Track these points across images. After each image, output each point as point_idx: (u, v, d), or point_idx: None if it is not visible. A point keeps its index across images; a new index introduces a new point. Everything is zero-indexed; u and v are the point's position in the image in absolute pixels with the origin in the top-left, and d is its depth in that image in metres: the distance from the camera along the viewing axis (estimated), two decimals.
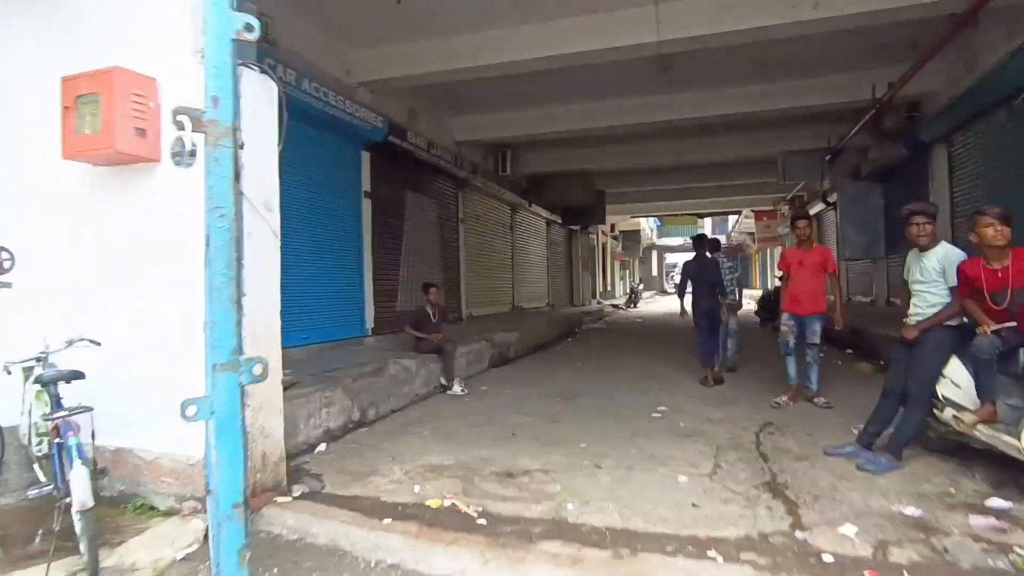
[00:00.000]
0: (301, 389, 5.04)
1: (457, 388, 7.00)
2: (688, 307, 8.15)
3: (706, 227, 51.07)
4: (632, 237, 35.17)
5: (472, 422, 5.53)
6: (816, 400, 5.92)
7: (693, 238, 8.65)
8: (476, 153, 13.13)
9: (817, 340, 6.11)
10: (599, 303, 25.08)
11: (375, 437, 5.15)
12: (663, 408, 5.83)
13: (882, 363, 7.83)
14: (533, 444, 4.73)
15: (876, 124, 11.59)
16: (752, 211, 26.62)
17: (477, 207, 13.32)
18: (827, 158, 14.13)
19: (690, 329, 7.85)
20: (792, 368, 6.15)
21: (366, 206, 8.60)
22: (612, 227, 30.28)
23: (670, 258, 62.97)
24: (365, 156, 8.61)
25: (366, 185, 8.61)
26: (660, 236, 49.02)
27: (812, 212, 20.40)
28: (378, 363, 6.71)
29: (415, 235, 10.25)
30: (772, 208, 25.56)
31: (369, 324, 8.59)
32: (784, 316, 6.17)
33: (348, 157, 8.32)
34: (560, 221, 19.41)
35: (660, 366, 8.64)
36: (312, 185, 7.43)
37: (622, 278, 36.69)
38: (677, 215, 28.68)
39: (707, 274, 7.81)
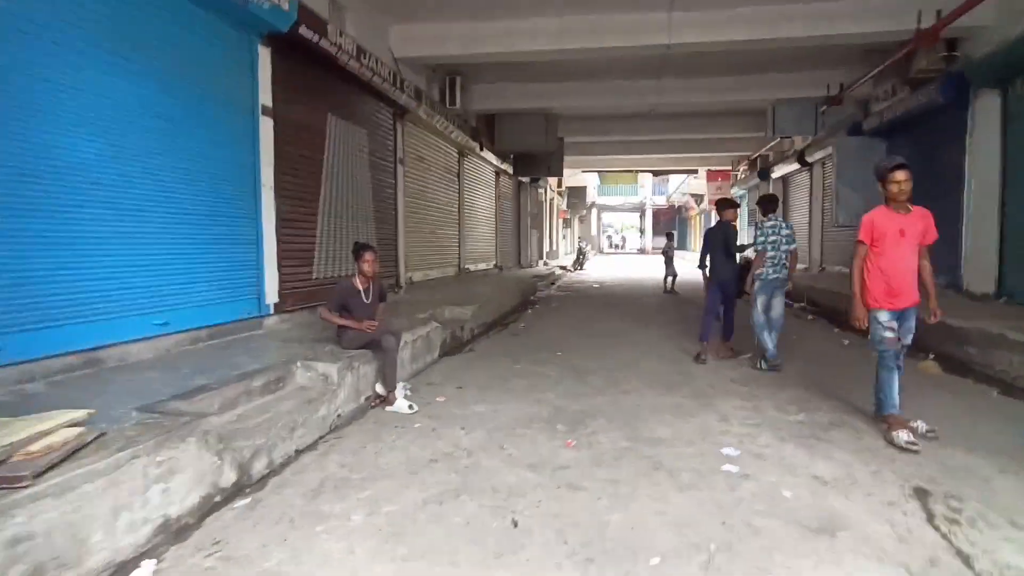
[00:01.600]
0: (106, 450, 2.58)
1: (402, 402, 4.67)
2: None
3: (646, 187, 49.99)
4: (578, 194, 33.17)
5: (433, 486, 3.25)
6: (913, 425, 4.02)
7: (718, 202, 7.23)
8: (419, 76, 10.45)
9: (910, 341, 4.22)
10: (546, 264, 23.03)
11: (258, 530, 2.79)
12: (731, 451, 3.74)
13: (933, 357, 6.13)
14: (558, 552, 2.54)
15: (905, 64, 9.82)
16: (709, 170, 25.05)
17: (420, 146, 10.72)
18: (821, 109, 12.35)
19: (661, 298, 6.02)
20: (894, 387, 4.21)
21: (265, 128, 5.93)
22: (559, 182, 28.09)
23: (607, 218, 61.85)
24: (263, 54, 5.88)
25: (265, 97, 5.92)
26: (600, 195, 47.50)
27: (778, 174, 19.01)
28: (276, 368, 4.27)
29: (340, 175, 7.64)
30: (727, 168, 24.09)
31: (270, 298, 6.05)
32: (882, 315, 4.16)
33: (235, 53, 5.59)
34: (511, 171, 16.98)
35: (661, 354, 6.61)
36: (168, 90, 4.73)
37: (564, 237, 34.79)
38: (631, 171, 26.78)
39: (729, 243, 6.73)
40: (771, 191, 19.53)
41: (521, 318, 10.27)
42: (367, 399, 4.78)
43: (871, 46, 10.11)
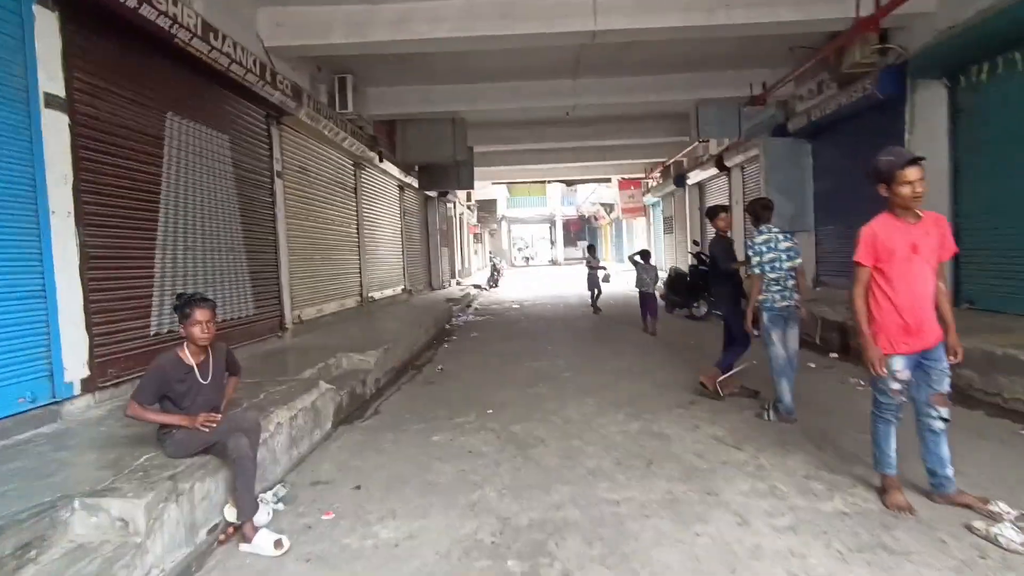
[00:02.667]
0: None
1: (264, 537, 2.99)
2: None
3: (555, 198, 49.72)
4: (488, 207, 31.96)
5: None
6: (993, 508, 2.93)
7: (708, 209, 6.42)
8: (300, 74, 8.71)
9: (948, 387, 3.16)
10: (459, 284, 21.53)
11: None
12: None
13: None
14: None
15: (836, 60, 9.21)
16: (622, 179, 24.55)
17: (305, 156, 8.95)
18: (744, 110, 11.73)
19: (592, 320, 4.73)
20: (893, 441, 3.16)
21: (53, 128, 4.07)
22: (468, 195, 26.72)
23: (517, 230, 61.16)
24: (43, 19, 4.05)
25: (51, 83, 4.07)
26: (510, 207, 46.66)
27: (694, 181, 18.59)
28: (30, 520, 2.49)
29: (189, 194, 5.81)
30: (640, 176, 23.69)
31: (73, 373, 4.17)
32: (896, 363, 3.10)
33: None
34: (416, 184, 15.38)
35: (617, 402, 5.30)
36: None
37: (476, 252, 33.42)
38: (542, 182, 25.86)
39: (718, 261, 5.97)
40: (687, 199, 19.11)
41: (437, 355, 8.70)
42: (213, 532, 3.10)
43: (800, 41, 9.47)
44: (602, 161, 19.51)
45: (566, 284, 23.56)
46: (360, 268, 11.36)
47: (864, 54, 8.46)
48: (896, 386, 3.14)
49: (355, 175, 11.31)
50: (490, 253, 34.11)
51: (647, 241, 26.17)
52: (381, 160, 11.76)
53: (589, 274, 13.25)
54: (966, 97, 7.29)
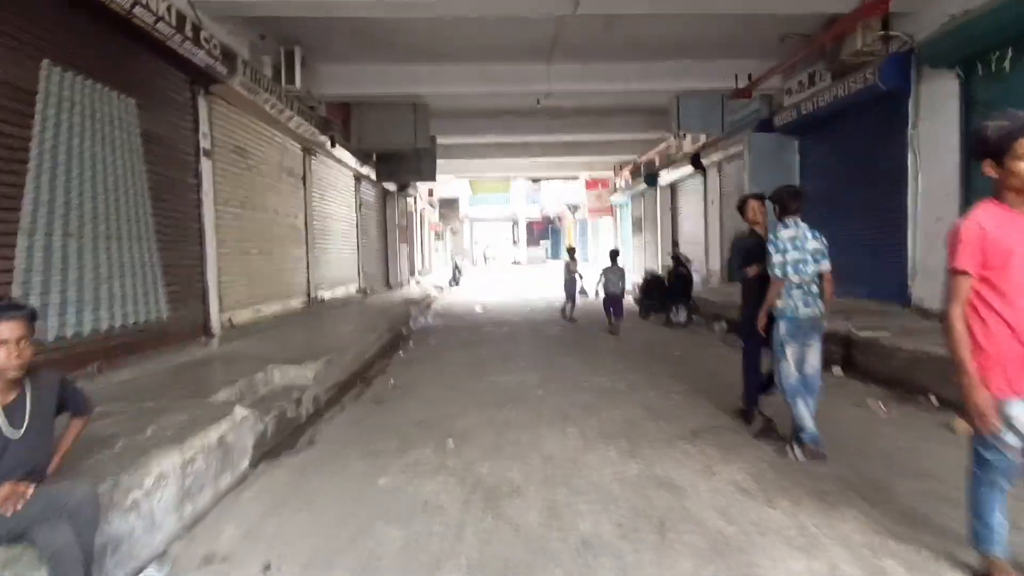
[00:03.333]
0: None
1: None
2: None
3: (518, 197, 48.81)
4: (450, 205, 30.87)
5: None
6: None
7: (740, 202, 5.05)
8: (239, 39, 7.55)
9: None
10: (419, 283, 20.39)
11: None
12: None
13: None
14: None
15: (832, 49, 8.52)
16: (589, 178, 23.79)
17: (242, 135, 7.76)
18: (727, 100, 11.02)
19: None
20: (1000, 517, 2.34)
21: None
22: (430, 192, 25.58)
23: (479, 229, 60.02)
24: None
25: None
26: (472, 204, 45.57)
27: (667, 180, 17.92)
28: None
29: (76, 168, 4.64)
30: (609, 175, 22.98)
31: None
32: (1015, 408, 2.27)
33: None
34: (374, 176, 14.22)
35: (605, 431, 4.36)
36: None
37: (437, 251, 32.22)
38: (507, 177, 24.91)
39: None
40: (658, 199, 18.43)
41: (391, 366, 7.64)
42: None
43: (793, 27, 8.78)
44: (571, 157, 18.67)
45: (531, 285, 22.67)
46: (308, 264, 10.18)
47: (867, 41, 7.79)
48: (1016, 442, 2.28)
49: (304, 161, 10.13)
50: (451, 252, 32.99)
51: (613, 242, 25.51)
52: (334, 146, 10.60)
53: (567, 279, 11.96)
54: (983, 88, 6.63)
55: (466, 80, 10.28)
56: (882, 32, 7.73)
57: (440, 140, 13.96)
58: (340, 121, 11.33)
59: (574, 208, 38.03)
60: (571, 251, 12.41)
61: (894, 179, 8.06)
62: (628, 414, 5.05)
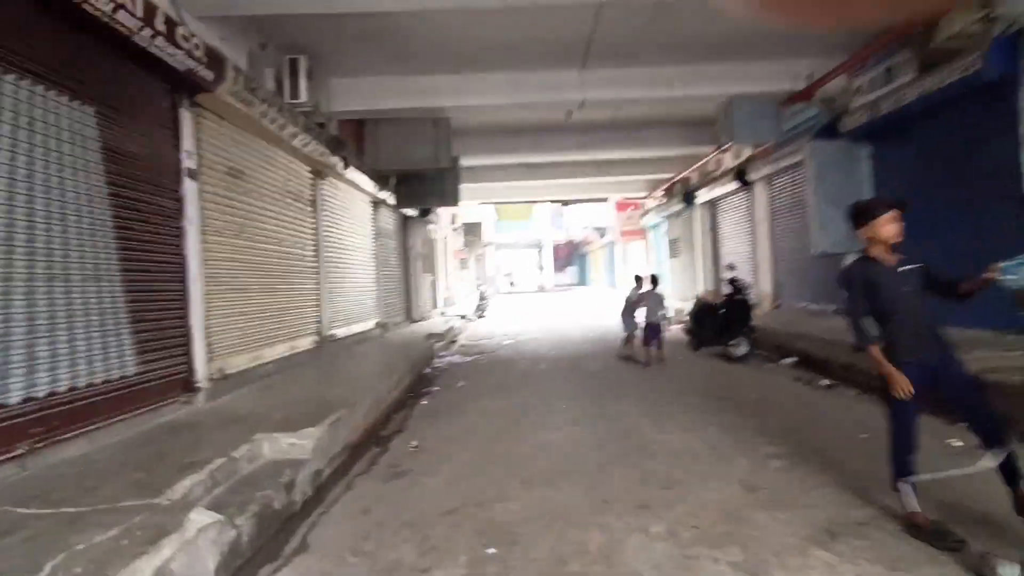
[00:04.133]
0: None
1: None
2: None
3: (543, 221, 47.84)
4: (474, 230, 29.90)
5: None
6: None
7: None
8: (234, 48, 6.61)
9: None
10: (443, 314, 19.30)
11: None
12: None
13: None
14: None
15: (923, 36, 7.31)
16: (621, 198, 22.64)
17: (235, 152, 6.76)
18: (782, 105, 9.83)
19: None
20: None
21: None
22: (453, 217, 24.64)
23: (503, 255, 59.00)
24: None
25: None
26: (497, 230, 44.69)
27: (705, 199, 16.67)
28: None
29: (7, 190, 3.62)
30: (641, 196, 21.81)
31: None
32: None
33: None
34: (392, 201, 13.24)
35: (731, 534, 3.12)
36: None
37: (461, 279, 31.20)
38: (533, 201, 23.91)
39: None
40: (697, 219, 17.19)
41: (412, 419, 6.45)
42: None
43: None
44: (601, 177, 17.55)
45: (561, 314, 21.44)
46: (319, 300, 9.12)
47: (966, 24, 6.58)
48: None
49: (314, 185, 9.14)
50: (476, 280, 31.94)
51: (646, 266, 24.21)
52: (347, 167, 9.61)
53: (650, 308, 9.52)
54: None
55: (491, 90, 9.27)
56: (983, 12, 6.51)
57: (463, 161, 12.98)
58: (353, 140, 10.39)
59: (602, 231, 36.90)
60: (652, 280, 10.04)
61: (1002, 185, 6.75)
62: (724, 496, 3.77)
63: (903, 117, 8.03)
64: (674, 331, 13.14)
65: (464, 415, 6.51)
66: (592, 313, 20.63)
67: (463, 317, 19.10)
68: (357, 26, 7.50)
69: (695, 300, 10.74)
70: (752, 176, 12.94)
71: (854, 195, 9.29)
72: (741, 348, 9.17)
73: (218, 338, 6.10)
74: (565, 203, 25.41)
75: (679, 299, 19.09)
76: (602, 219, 32.63)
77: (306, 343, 8.58)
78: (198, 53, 5.19)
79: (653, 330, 9.26)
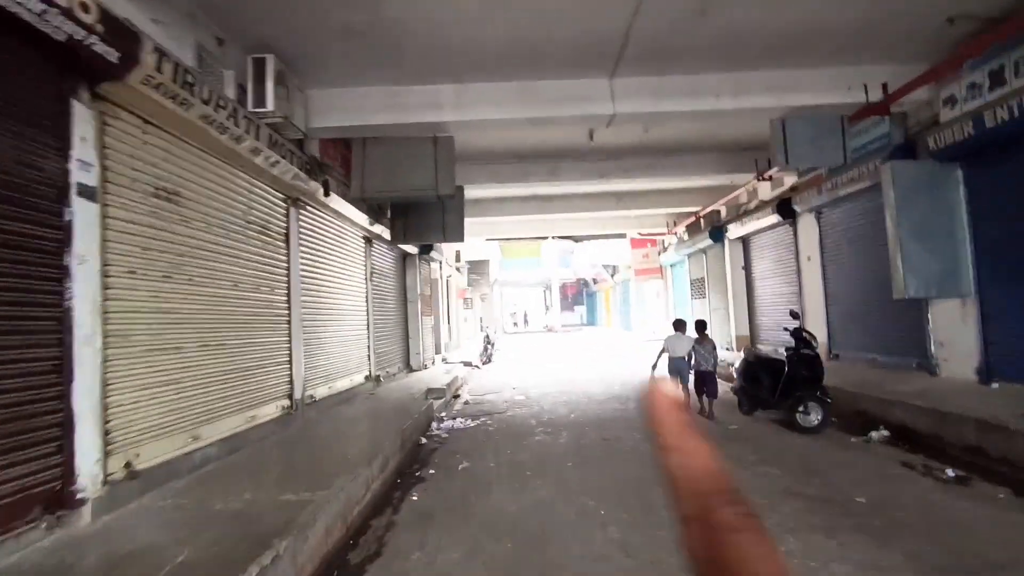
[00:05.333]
0: None
1: None
2: None
3: (551, 259, 46.33)
4: (479, 268, 28.32)
5: None
6: None
7: None
8: (172, 32, 5.07)
9: None
10: (446, 360, 17.53)
11: None
12: None
13: None
14: None
15: None
16: (638, 234, 21.07)
17: (169, 168, 5.14)
18: (848, 121, 8.26)
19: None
20: None
21: None
22: (457, 255, 23.10)
23: (509, 294, 57.35)
24: None
25: None
26: (503, 269, 43.18)
27: (738, 234, 15.07)
28: None
29: None
30: (659, 232, 20.25)
31: None
32: None
33: None
34: (388, 236, 11.66)
35: None
36: None
37: (466, 320, 29.45)
38: (544, 238, 22.36)
39: None
40: (727, 257, 15.53)
41: (395, 528, 4.66)
42: None
43: (969, 5, 6.12)
44: (620, 211, 15.99)
45: (574, 359, 19.61)
46: (291, 355, 7.42)
47: None
48: None
49: (287, 215, 7.55)
50: (482, 321, 30.23)
51: (665, 308, 22.48)
52: (327, 194, 8.01)
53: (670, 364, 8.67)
54: None
55: (502, 102, 7.73)
56: None
57: (468, 193, 11.43)
58: (339, 164, 8.85)
59: (612, 269, 35.30)
60: (681, 324, 9.07)
61: None
62: None
63: (1013, 132, 6.42)
64: (722, 386, 11.39)
65: (467, 523, 4.71)
66: (610, 360, 18.79)
67: (468, 364, 17.32)
68: (340, 20, 6.01)
69: (745, 352, 8.98)
70: (799, 207, 11.31)
71: (945, 228, 7.64)
72: (814, 416, 7.37)
73: (127, 419, 4.38)
74: (577, 239, 23.81)
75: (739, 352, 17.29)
76: (614, 257, 31.04)
77: (271, 411, 6.84)
78: (87, 18, 3.62)
79: (706, 377, 8.48)
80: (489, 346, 20.49)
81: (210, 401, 5.55)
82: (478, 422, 9.17)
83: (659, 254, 22.40)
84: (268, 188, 6.96)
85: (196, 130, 5.16)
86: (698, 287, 18.40)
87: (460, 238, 11.26)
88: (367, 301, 11.17)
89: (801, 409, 7.45)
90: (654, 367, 8.91)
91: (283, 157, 6.61)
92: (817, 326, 11.41)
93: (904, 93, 7.48)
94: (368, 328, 11.15)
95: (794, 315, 8.11)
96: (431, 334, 16.81)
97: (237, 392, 6.06)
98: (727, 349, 15.60)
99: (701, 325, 8.97)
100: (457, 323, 24.37)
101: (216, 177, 5.84)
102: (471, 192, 12.84)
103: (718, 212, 15.88)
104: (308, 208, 8.14)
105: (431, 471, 6.41)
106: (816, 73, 7.77)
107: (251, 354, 6.42)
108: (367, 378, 10.83)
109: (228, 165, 6.01)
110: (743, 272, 15.13)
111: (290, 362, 7.38)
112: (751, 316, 14.95)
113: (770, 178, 11.44)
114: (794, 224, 12.13)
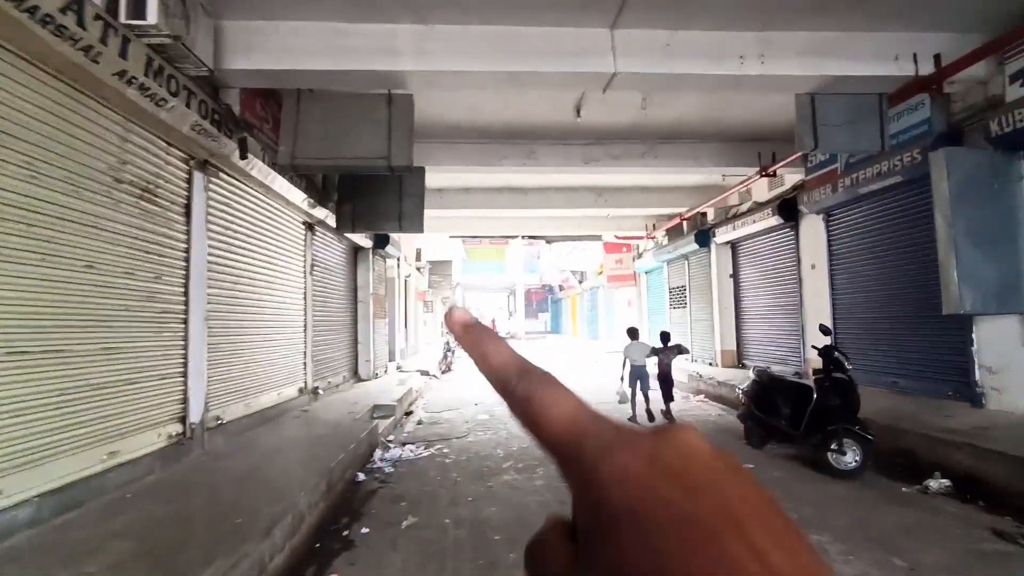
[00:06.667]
0: None
1: None
2: None
3: (516, 264, 44.89)
4: (441, 269, 26.53)
5: None
6: None
7: None
8: None
9: None
10: (401, 368, 15.74)
11: None
12: None
13: None
14: None
15: None
16: (615, 236, 19.67)
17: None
18: (884, 98, 6.93)
19: None
20: None
21: None
22: (418, 252, 21.32)
23: (472, 299, 55.57)
24: None
25: None
26: (466, 271, 41.50)
27: (727, 238, 13.75)
28: None
29: None
30: (635, 235, 18.89)
31: None
32: None
33: None
34: (334, 222, 9.86)
35: None
36: None
37: (425, 324, 27.58)
38: (512, 237, 20.76)
39: None
40: (714, 263, 14.22)
41: None
42: None
43: None
44: (599, 209, 14.50)
45: (550, 364, 18.00)
46: (185, 365, 5.61)
47: None
48: None
49: (189, 181, 5.74)
50: (442, 326, 28.38)
51: (639, 317, 21.14)
52: (244, 156, 6.21)
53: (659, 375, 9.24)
54: None
55: (475, 51, 6.10)
56: None
57: (430, 179, 9.74)
58: (268, 125, 7.07)
59: (581, 276, 34.01)
60: (665, 336, 9.66)
61: None
62: None
63: None
64: (707, 408, 10.00)
65: None
66: (578, 370, 17.30)
67: (425, 373, 15.57)
68: None
69: (755, 373, 7.53)
70: (806, 208, 10.00)
71: (1007, 231, 6.33)
72: (850, 457, 5.94)
73: None
74: (550, 240, 22.31)
75: (684, 358, 15.96)
76: (583, 262, 29.70)
77: (149, 442, 5.02)
78: None
79: (668, 381, 9.05)
80: (449, 353, 18.78)
81: (29, 436, 3.74)
82: (432, 450, 7.47)
83: (633, 260, 21.06)
84: (156, 140, 5.16)
85: (13, 26, 3.38)
86: (678, 296, 17.07)
87: (419, 228, 9.52)
88: (306, 298, 9.37)
89: (834, 447, 6.01)
90: (623, 379, 9.18)
91: (173, 95, 4.82)
92: (822, 344, 10.10)
93: (962, 67, 6.17)
94: (306, 331, 9.35)
95: (824, 331, 6.67)
96: (386, 339, 15.00)
97: (85, 420, 4.24)
98: (710, 364, 14.29)
99: (665, 336, 9.47)
100: (416, 327, 22.54)
101: (59, 108, 4.04)
102: (434, 179, 11.21)
103: (704, 215, 14.57)
104: (222, 176, 6.34)
105: (364, 529, 4.70)
106: (861, 38, 6.39)
107: (115, 364, 4.60)
108: (301, 391, 9.02)
109: (81, 94, 4.21)
110: (731, 280, 13.83)
111: (185, 374, 5.57)
112: (738, 329, 13.63)
113: (774, 173, 10.09)
114: (796, 227, 10.83)
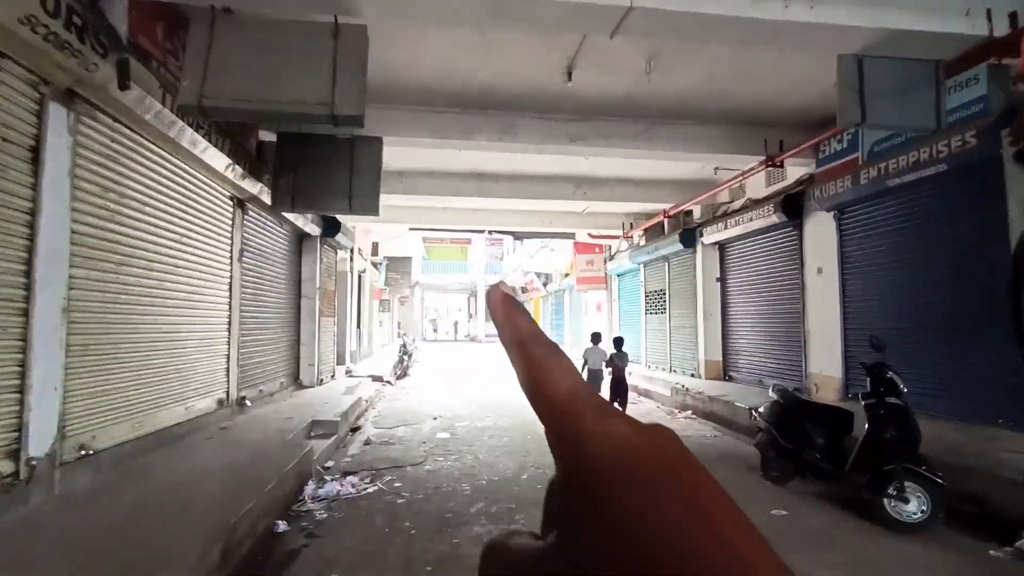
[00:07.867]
0: None
1: None
2: None
3: (477, 262, 43.40)
4: (400, 267, 24.79)
5: None
6: None
7: None
8: None
9: None
10: (351, 374, 14.04)
11: None
12: None
13: None
14: None
15: None
16: (590, 235, 18.37)
17: None
18: (941, 66, 5.76)
19: None
20: None
21: None
22: (374, 247, 19.60)
23: (431, 299, 53.67)
24: None
25: None
26: (425, 271, 39.81)
27: (715, 238, 12.58)
28: None
29: None
30: (609, 234, 17.65)
31: None
32: None
33: None
34: (269, 198, 8.17)
35: None
36: None
37: (380, 324, 25.79)
38: (480, 231, 19.25)
39: None
40: (698, 265, 13.04)
41: None
42: None
43: None
44: (576, 202, 13.15)
45: (503, 373, 16.59)
46: (23, 376, 3.93)
47: None
48: None
49: (40, 115, 4.08)
50: (399, 330, 26.70)
51: (609, 322, 19.90)
52: (125, 86, 4.53)
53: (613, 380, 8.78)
54: None
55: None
56: None
57: (389, 157, 8.15)
58: (172, 56, 5.43)
59: (546, 278, 32.72)
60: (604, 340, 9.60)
61: None
62: None
63: None
64: (699, 427, 8.75)
65: None
66: None
67: (378, 379, 13.93)
68: None
69: (776, 392, 6.24)
70: (818, 204, 8.85)
71: None
72: (914, 505, 4.67)
73: None
74: (518, 236, 20.90)
75: (660, 368, 14.77)
76: (548, 264, 28.40)
77: None
78: None
79: (622, 386, 8.74)
80: (405, 357, 17.12)
81: None
82: (380, 484, 5.91)
83: (605, 262, 19.83)
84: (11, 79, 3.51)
85: None
86: (656, 301, 15.86)
87: (374, 211, 7.90)
88: (231, 290, 7.70)
89: (893, 491, 4.74)
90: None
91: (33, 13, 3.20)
92: (828, 359, 8.98)
93: None
94: (230, 328, 7.67)
95: (876, 345, 5.35)
96: (335, 340, 13.30)
97: None
98: (692, 375, 13.10)
99: (619, 341, 9.09)
100: (370, 328, 20.79)
101: None
102: (394, 158, 9.65)
103: (689, 213, 13.41)
104: (101, 118, 4.68)
105: None
106: None
107: None
108: (221, 403, 7.34)
109: None
110: (718, 285, 12.67)
111: (21, 389, 3.90)
112: (725, 338, 12.48)
113: (781, 164, 8.93)
114: (800, 226, 9.69)
